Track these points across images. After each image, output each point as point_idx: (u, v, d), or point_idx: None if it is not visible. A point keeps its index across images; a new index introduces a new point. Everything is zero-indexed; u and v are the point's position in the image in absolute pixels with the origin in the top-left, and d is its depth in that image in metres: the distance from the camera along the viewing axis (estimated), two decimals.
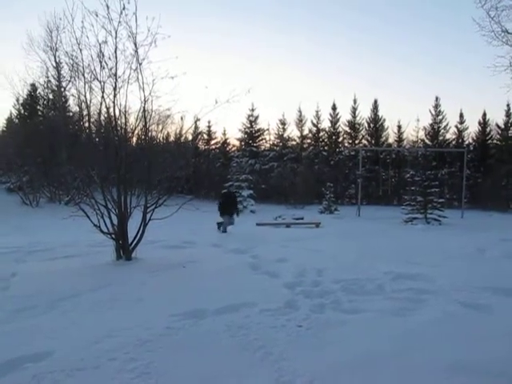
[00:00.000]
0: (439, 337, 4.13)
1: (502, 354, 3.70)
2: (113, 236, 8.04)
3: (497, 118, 35.37)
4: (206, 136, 35.54)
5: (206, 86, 8.72)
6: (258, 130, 35.63)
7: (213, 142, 35.99)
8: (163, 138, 10.92)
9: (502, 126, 31.94)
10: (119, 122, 8.11)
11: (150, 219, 8.22)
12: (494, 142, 32.60)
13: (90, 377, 3.31)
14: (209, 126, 34.73)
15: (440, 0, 57.88)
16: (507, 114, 31.67)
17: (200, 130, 33.03)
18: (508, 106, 31.50)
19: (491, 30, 18.16)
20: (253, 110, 35.04)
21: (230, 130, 43.80)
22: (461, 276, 6.79)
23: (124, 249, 8.04)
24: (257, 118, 35.31)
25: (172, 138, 14.44)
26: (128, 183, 8.10)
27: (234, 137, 36.06)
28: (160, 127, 9.83)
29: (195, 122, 9.57)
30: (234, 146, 36.25)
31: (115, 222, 8.02)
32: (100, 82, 7.79)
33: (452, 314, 4.87)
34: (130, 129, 8.44)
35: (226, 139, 35.93)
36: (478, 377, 3.31)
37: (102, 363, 3.50)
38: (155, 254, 8.59)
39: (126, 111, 8.07)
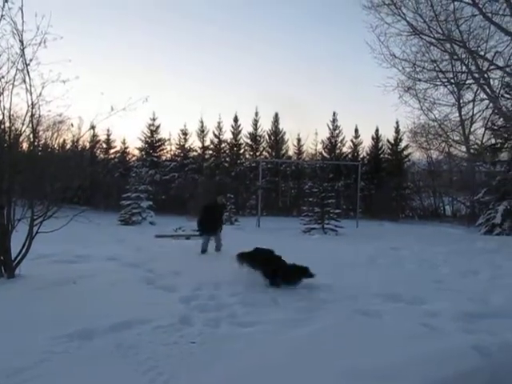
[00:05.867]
0: (335, 344, 4.21)
1: (394, 358, 3.84)
2: None
3: (388, 134, 37.61)
4: (104, 145, 34.31)
5: (102, 93, 8.31)
6: (159, 140, 35.03)
7: (112, 150, 34.83)
8: (58, 145, 10.25)
9: (392, 142, 34.20)
10: (3, 126, 7.49)
11: (37, 232, 7.62)
12: (386, 156, 34.73)
13: None
14: (108, 135, 33.64)
15: (342, 22, 60.82)
16: (396, 131, 34.05)
17: (98, 138, 31.93)
18: (397, 123, 33.93)
19: (381, 53, 19.49)
20: (154, 119, 34.46)
21: (130, 139, 42.74)
22: (355, 284, 7.07)
23: (6, 265, 7.37)
24: (158, 127, 34.76)
25: (68, 146, 13.57)
26: (12, 193, 7.46)
27: (134, 146, 35.18)
28: (53, 134, 9.21)
29: (91, 129, 9.09)
30: (133, 155, 35.33)
31: None
32: None
33: (346, 321, 5.02)
34: (14, 135, 7.81)
35: (125, 148, 34.94)
36: (372, 382, 3.40)
37: None
38: (43, 270, 7.94)
39: (10, 115, 7.46)
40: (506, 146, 22.50)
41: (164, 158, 35.21)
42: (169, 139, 35.45)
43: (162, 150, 35.49)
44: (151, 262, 8.94)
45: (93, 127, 8.49)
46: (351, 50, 63.55)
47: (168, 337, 4.44)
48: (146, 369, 3.65)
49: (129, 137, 40.11)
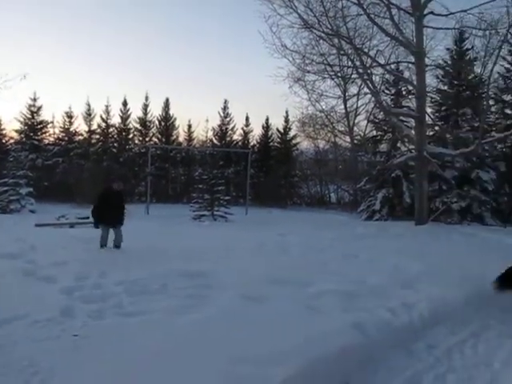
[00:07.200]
0: (222, 331, 4.21)
1: (279, 341, 3.93)
2: None
3: (278, 123, 38.32)
4: None
5: None
6: (41, 122, 32.68)
7: None
8: None
9: (282, 131, 35.07)
10: None
11: None
12: (275, 144, 35.54)
13: None
14: None
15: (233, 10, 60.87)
16: (286, 120, 34.91)
17: None
18: (286, 112, 34.70)
19: (273, 44, 20.05)
20: (35, 99, 32.05)
21: (6, 119, 39.38)
22: (243, 270, 7.14)
23: None
24: (40, 108, 32.32)
25: None
26: None
27: (12, 128, 32.53)
28: None
29: None
30: (11, 138, 32.65)
31: None
32: None
33: (234, 307, 5.04)
34: None
35: (1, 130, 32.19)
36: (258, 367, 3.42)
37: None
38: None
39: None
40: (385, 137, 24.17)
41: (47, 141, 32.93)
42: (52, 122, 33.22)
43: (45, 133, 33.08)
44: (31, 253, 8.35)
45: None
46: (245, 38, 63.87)
47: (47, 331, 4.10)
48: (20, 368, 3.31)
49: (5, 117, 36.89)
